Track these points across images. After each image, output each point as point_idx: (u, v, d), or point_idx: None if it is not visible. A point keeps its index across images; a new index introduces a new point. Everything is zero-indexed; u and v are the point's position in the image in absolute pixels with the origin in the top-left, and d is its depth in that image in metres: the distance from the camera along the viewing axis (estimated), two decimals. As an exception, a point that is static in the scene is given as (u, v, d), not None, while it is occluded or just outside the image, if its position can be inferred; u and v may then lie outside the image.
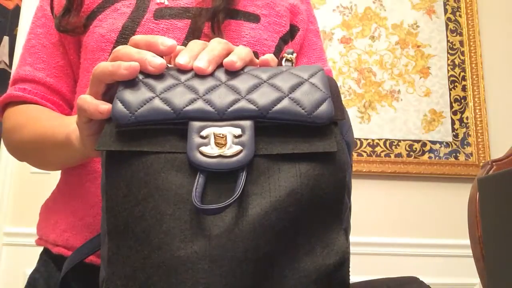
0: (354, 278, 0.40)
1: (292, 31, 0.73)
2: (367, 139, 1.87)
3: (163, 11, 0.65)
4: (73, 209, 0.62)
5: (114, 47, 0.62)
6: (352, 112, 1.88)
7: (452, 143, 1.90)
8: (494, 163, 0.90)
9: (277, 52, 0.69)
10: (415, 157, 1.86)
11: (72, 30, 0.65)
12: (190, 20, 0.64)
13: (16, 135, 0.64)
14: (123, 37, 0.63)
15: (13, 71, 0.74)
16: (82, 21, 0.65)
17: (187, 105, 0.36)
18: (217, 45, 0.41)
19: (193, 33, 0.63)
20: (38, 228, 0.67)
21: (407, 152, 1.87)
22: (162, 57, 0.44)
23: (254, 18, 0.68)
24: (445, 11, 2.02)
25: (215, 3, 0.64)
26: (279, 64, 0.45)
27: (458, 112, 1.93)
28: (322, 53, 0.77)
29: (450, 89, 1.95)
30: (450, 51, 1.98)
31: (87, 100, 0.40)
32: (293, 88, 0.38)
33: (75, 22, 0.65)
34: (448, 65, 1.97)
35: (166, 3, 0.65)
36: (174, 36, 0.63)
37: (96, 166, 0.61)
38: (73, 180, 0.64)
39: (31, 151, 0.64)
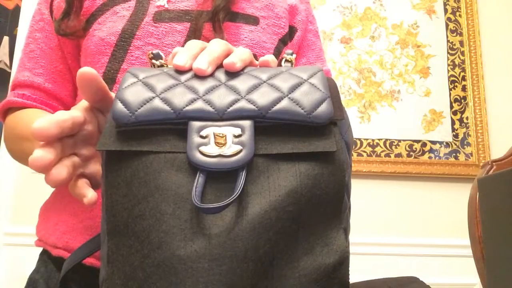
0: (354, 278, 0.41)
1: (291, 32, 0.73)
2: (367, 139, 1.87)
3: (163, 14, 0.65)
4: (73, 211, 0.62)
5: (114, 50, 0.63)
6: (352, 112, 1.88)
7: (452, 143, 1.90)
8: (494, 163, 0.90)
9: (277, 54, 0.69)
10: (415, 157, 1.87)
11: (72, 33, 0.65)
12: (189, 23, 0.64)
13: (18, 146, 0.64)
14: (123, 40, 0.63)
15: (13, 72, 0.75)
16: (82, 24, 0.65)
17: (187, 105, 0.37)
18: (216, 46, 0.41)
19: (193, 36, 0.63)
20: (37, 230, 0.67)
21: (407, 152, 1.87)
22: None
23: (253, 20, 0.68)
24: (445, 11, 2.02)
25: (215, 3, 0.64)
26: (279, 65, 0.45)
27: (458, 112, 1.93)
28: (321, 53, 0.77)
29: (450, 89, 1.95)
30: (450, 51, 1.98)
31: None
32: (293, 88, 0.38)
33: (75, 25, 0.65)
34: (448, 65, 1.97)
35: (166, 6, 0.65)
36: (173, 39, 0.63)
37: (96, 168, 0.61)
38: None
39: None
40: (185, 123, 0.36)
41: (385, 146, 1.87)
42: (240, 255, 0.32)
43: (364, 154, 1.85)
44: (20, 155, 0.66)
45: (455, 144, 1.90)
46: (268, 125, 0.37)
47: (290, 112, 0.36)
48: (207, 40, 0.56)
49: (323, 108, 0.36)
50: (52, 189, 0.69)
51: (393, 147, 1.87)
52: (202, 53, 0.40)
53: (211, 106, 0.37)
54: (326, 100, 0.37)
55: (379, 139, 1.88)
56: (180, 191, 0.34)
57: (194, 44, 0.42)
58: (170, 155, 0.35)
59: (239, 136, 0.36)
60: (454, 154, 1.88)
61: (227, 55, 0.41)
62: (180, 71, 0.40)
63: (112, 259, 0.34)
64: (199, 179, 0.34)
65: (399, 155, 1.86)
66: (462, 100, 1.94)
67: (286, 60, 0.44)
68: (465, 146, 1.89)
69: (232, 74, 0.40)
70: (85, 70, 0.39)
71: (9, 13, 2.74)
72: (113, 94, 0.43)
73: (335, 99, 0.39)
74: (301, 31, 0.74)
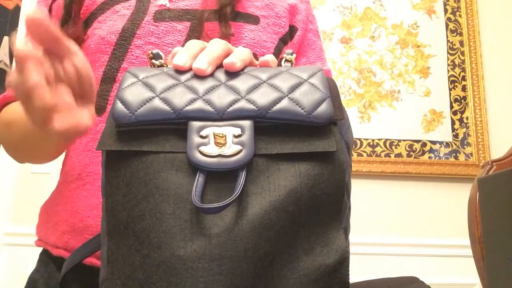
0: (354, 278, 0.40)
1: (291, 31, 0.73)
2: (367, 139, 1.87)
3: (163, 13, 0.65)
4: (73, 211, 0.62)
5: (114, 49, 0.63)
6: (352, 112, 1.88)
7: (452, 143, 1.90)
8: (494, 163, 0.90)
9: (277, 53, 0.69)
10: (415, 157, 1.87)
11: (73, 40, 0.65)
12: (190, 22, 0.64)
13: (7, 132, 0.64)
14: (123, 39, 0.63)
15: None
16: (81, 29, 0.65)
17: (187, 105, 0.37)
18: (216, 46, 0.41)
19: (194, 35, 0.63)
20: (37, 230, 0.67)
21: (407, 152, 1.87)
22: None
23: (253, 19, 0.68)
24: (445, 11, 2.02)
25: (221, 0, 0.64)
26: (279, 64, 0.45)
27: (458, 112, 1.93)
28: (321, 52, 0.77)
29: (450, 89, 1.95)
30: (450, 51, 1.98)
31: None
32: (293, 88, 0.38)
33: (74, 32, 0.65)
34: (448, 65, 1.97)
35: (168, 5, 0.66)
36: (174, 39, 0.63)
37: (96, 168, 0.61)
38: (73, 181, 0.64)
39: (21, 145, 0.64)
40: (185, 123, 0.36)
41: (385, 146, 1.87)
42: (240, 255, 0.32)
43: (364, 154, 1.85)
44: (7, 142, 0.65)
45: (455, 144, 1.90)
46: (268, 125, 0.37)
47: (290, 112, 0.36)
48: (209, 39, 0.56)
49: (323, 108, 0.36)
50: (52, 189, 0.69)
51: (393, 147, 1.87)
52: (202, 53, 0.40)
53: (211, 106, 0.37)
54: (326, 100, 0.37)
55: (379, 139, 1.88)
56: (180, 191, 0.34)
57: (194, 44, 0.42)
58: (170, 155, 0.35)
59: (239, 136, 0.36)
60: (454, 154, 1.88)
61: (227, 55, 0.41)
62: (180, 71, 0.40)
63: (112, 259, 0.34)
64: (199, 179, 0.34)
65: (399, 155, 1.86)
66: (462, 100, 1.94)
67: (286, 60, 0.44)
68: (465, 146, 1.89)
69: (232, 74, 0.40)
70: (33, 14, 0.36)
71: (9, 13, 2.74)
72: (71, 44, 0.41)
73: (335, 99, 0.39)
74: (301, 31, 0.74)
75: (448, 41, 1.99)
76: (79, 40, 0.66)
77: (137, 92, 0.37)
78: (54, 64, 0.39)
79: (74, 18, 0.66)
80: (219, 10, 0.63)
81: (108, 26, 0.64)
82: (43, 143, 0.56)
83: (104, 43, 0.63)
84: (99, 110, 0.62)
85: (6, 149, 0.68)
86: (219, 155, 0.35)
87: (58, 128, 0.38)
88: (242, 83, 0.38)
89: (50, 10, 0.69)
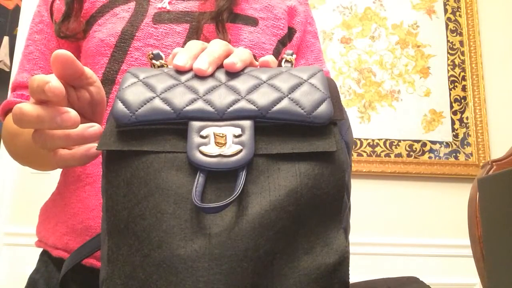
0: (354, 278, 0.40)
1: (290, 33, 0.73)
2: (367, 139, 1.87)
3: (162, 15, 0.65)
4: (73, 212, 0.62)
5: (114, 51, 0.63)
6: (352, 112, 1.88)
7: (452, 143, 1.90)
8: (494, 163, 0.90)
9: (275, 55, 0.69)
10: (415, 157, 1.87)
11: (72, 35, 0.66)
12: (189, 24, 0.65)
13: (13, 143, 0.65)
14: (122, 42, 0.63)
15: (12, 72, 0.75)
16: (82, 27, 0.66)
17: (187, 105, 0.37)
18: (217, 46, 0.41)
19: (193, 37, 0.64)
20: (37, 231, 0.67)
21: (407, 152, 1.87)
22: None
23: (252, 21, 0.68)
24: (445, 11, 2.02)
25: (219, 4, 0.64)
26: (279, 65, 0.45)
27: (458, 112, 1.93)
28: (320, 54, 0.77)
29: (450, 89, 1.95)
30: (450, 51, 1.98)
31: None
32: (293, 89, 0.38)
33: (75, 27, 0.66)
34: (448, 65, 1.97)
35: (168, 7, 0.66)
36: (173, 40, 0.64)
37: (96, 169, 0.61)
38: (73, 182, 0.64)
39: (27, 158, 0.64)
40: (186, 123, 0.36)
41: (385, 146, 1.87)
42: (240, 254, 0.32)
43: (364, 154, 1.85)
44: (11, 150, 0.66)
45: (455, 144, 1.90)
46: (268, 125, 0.37)
47: (290, 112, 0.36)
48: (207, 40, 0.56)
49: (323, 108, 0.36)
50: (52, 189, 0.69)
51: (393, 147, 1.87)
52: (203, 53, 0.40)
53: (211, 106, 0.37)
54: (326, 100, 0.37)
55: (379, 139, 1.88)
56: (180, 190, 0.34)
57: (194, 45, 0.42)
58: (170, 155, 0.35)
59: (239, 136, 0.36)
60: (454, 154, 1.88)
61: (227, 55, 0.41)
62: (180, 71, 0.40)
63: (112, 258, 0.34)
64: (199, 179, 0.34)
65: (399, 155, 1.87)
66: (462, 100, 1.94)
67: (286, 61, 0.44)
68: (465, 146, 1.90)
69: (232, 74, 0.40)
70: (60, 52, 0.39)
71: (9, 13, 2.75)
72: (88, 69, 0.44)
73: (335, 99, 0.39)
74: (300, 33, 0.74)
75: (448, 41, 1.99)
76: (79, 37, 0.66)
77: (137, 92, 0.37)
78: (70, 93, 0.44)
79: (76, 14, 0.66)
80: (216, 15, 0.63)
81: (108, 28, 0.64)
82: (48, 157, 0.57)
83: (103, 46, 0.63)
84: None
85: (10, 154, 0.68)
86: (219, 155, 0.35)
87: (62, 166, 0.45)
88: (242, 83, 0.38)
89: (51, 11, 0.69)
